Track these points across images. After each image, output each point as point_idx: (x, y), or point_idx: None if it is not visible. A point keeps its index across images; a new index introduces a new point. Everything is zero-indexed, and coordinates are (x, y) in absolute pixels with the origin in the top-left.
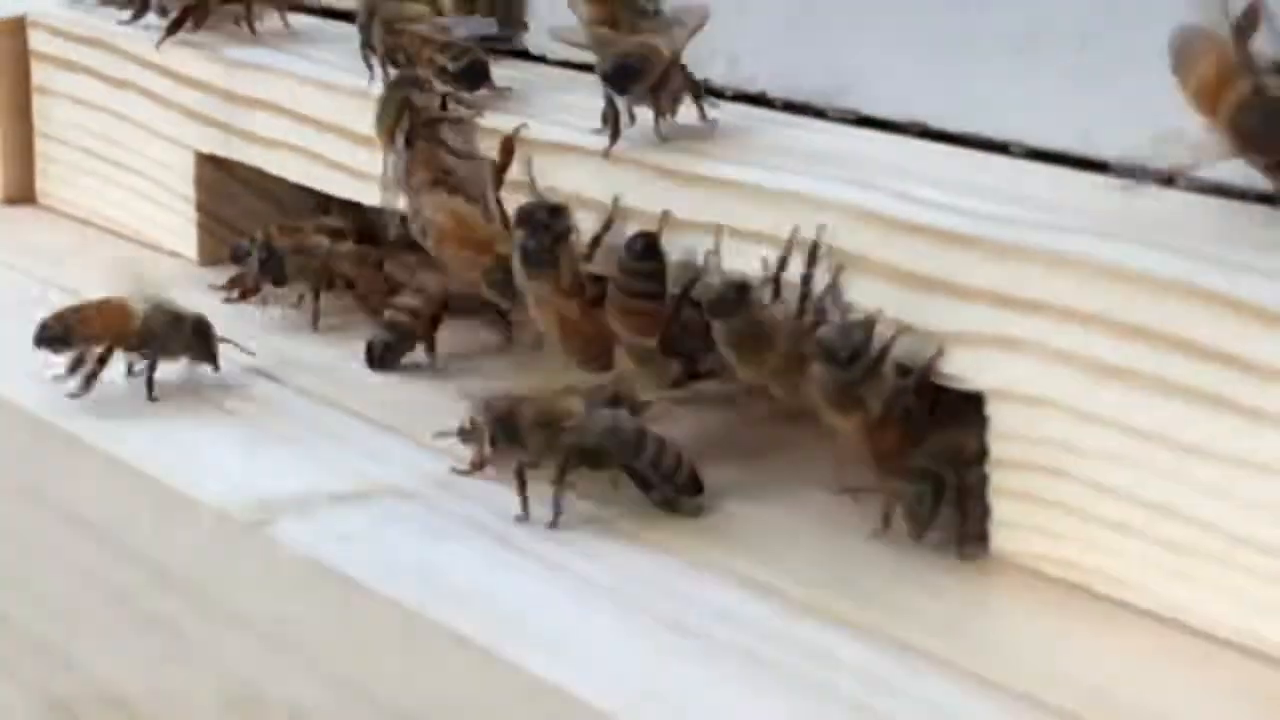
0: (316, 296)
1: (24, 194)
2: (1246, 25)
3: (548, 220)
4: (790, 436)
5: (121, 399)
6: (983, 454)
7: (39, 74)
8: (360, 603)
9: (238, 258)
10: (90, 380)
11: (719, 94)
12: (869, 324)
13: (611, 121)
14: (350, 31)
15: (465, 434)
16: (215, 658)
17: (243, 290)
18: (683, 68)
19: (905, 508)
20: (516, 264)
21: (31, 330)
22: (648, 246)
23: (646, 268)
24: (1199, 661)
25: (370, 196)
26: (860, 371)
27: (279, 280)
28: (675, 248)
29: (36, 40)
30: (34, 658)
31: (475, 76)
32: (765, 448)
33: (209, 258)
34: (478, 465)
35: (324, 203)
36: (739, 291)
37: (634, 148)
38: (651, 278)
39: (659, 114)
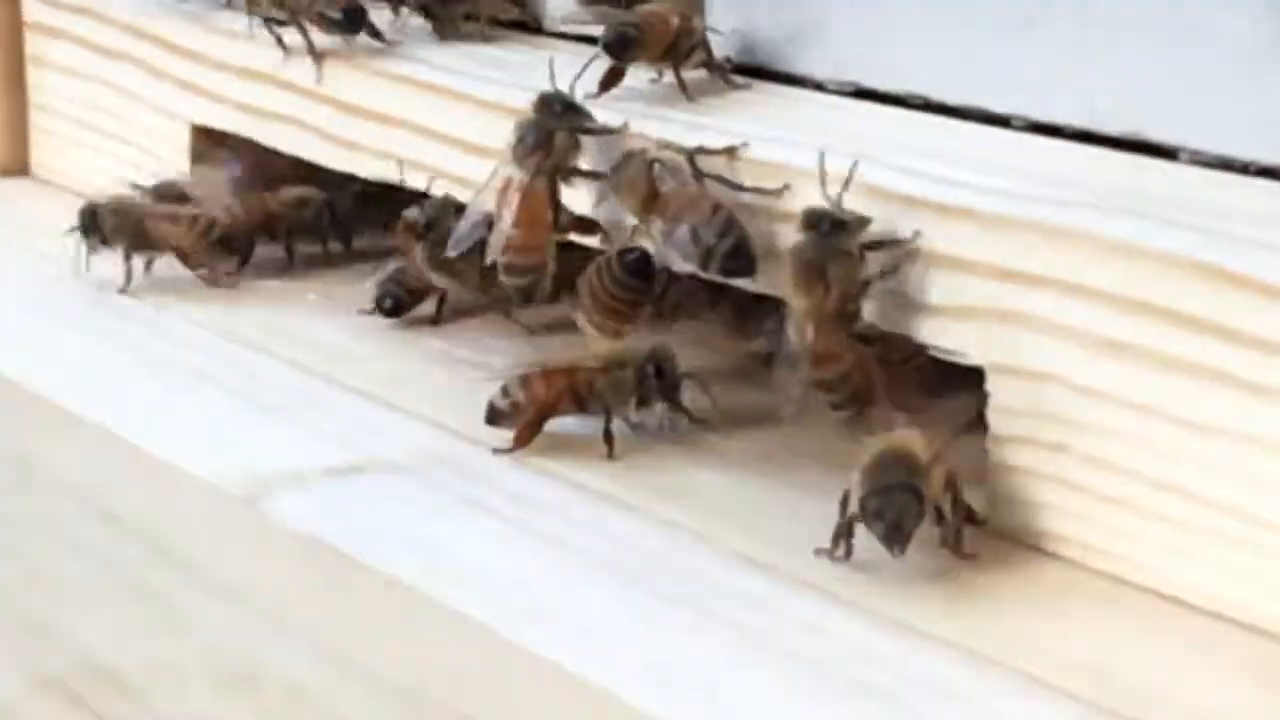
0: (127, 257)
1: (18, 165)
2: None
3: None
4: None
5: (114, 372)
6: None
7: (32, 44)
8: (355, 577)
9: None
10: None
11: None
12: (859, 217)
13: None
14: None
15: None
16: (208, 632)
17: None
18: (701, 38)
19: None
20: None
21: (22, 302)
22: (640, 264)
23: (635, 284)
24: (1200, 638)
25: (364, 168)
26: (834, 246)
27: (102, 239)
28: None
29: (30, 10)
30: (26, 632)
31: (354, 21)
32: (763, 422)
33: None
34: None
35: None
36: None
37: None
38: (637, 292)
39: (678, 79)
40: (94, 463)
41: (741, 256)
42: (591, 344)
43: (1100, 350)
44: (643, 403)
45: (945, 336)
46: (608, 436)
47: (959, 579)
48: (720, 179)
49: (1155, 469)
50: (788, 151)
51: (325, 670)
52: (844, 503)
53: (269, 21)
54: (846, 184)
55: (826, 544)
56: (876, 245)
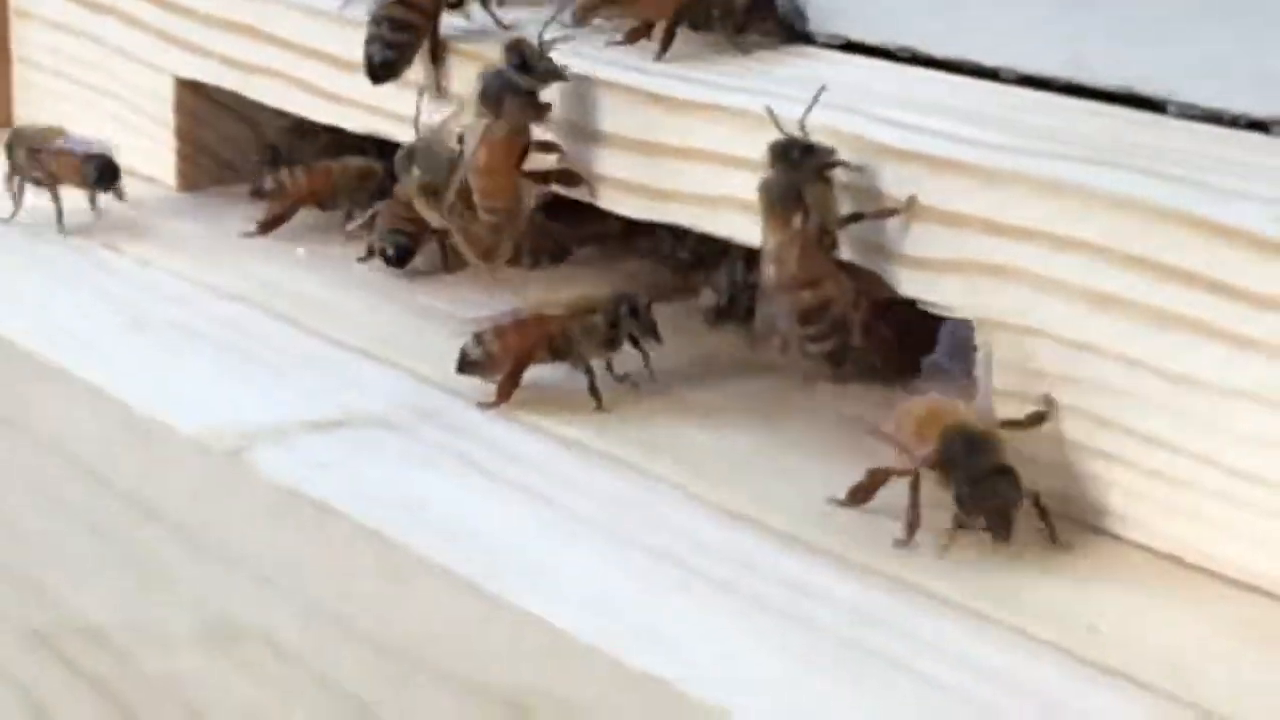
0: (55, 197)
1: (1, 119)
2: None
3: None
4: (779, 368)
5: (99, 328)
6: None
7: None
8: (340, 532)
9: (260, 193)
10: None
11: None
12: (827, 146)
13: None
14: None
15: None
16: (192, 587)
17: (266, 223)
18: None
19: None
20: None
21: (7, 258)
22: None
23: None
24: (1193, 595)
25: (351, 121)
26: (807, 171)
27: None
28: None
29: None
30: (10, 589)
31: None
32: (752, 379)
33: (187, 184)
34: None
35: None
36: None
37: (626, 73)
38: None
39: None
40: (78, 418)
41: None
42: (557, 294)
43: (1091, 304)
44: (614, 346)
45: (934, 290)
46: (593, 390)
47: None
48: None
49: (1148, 424)
50: (770, 103)
51: (309, 625)
52: (913, 483)
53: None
54: (809, 109)
55: (822, 498)
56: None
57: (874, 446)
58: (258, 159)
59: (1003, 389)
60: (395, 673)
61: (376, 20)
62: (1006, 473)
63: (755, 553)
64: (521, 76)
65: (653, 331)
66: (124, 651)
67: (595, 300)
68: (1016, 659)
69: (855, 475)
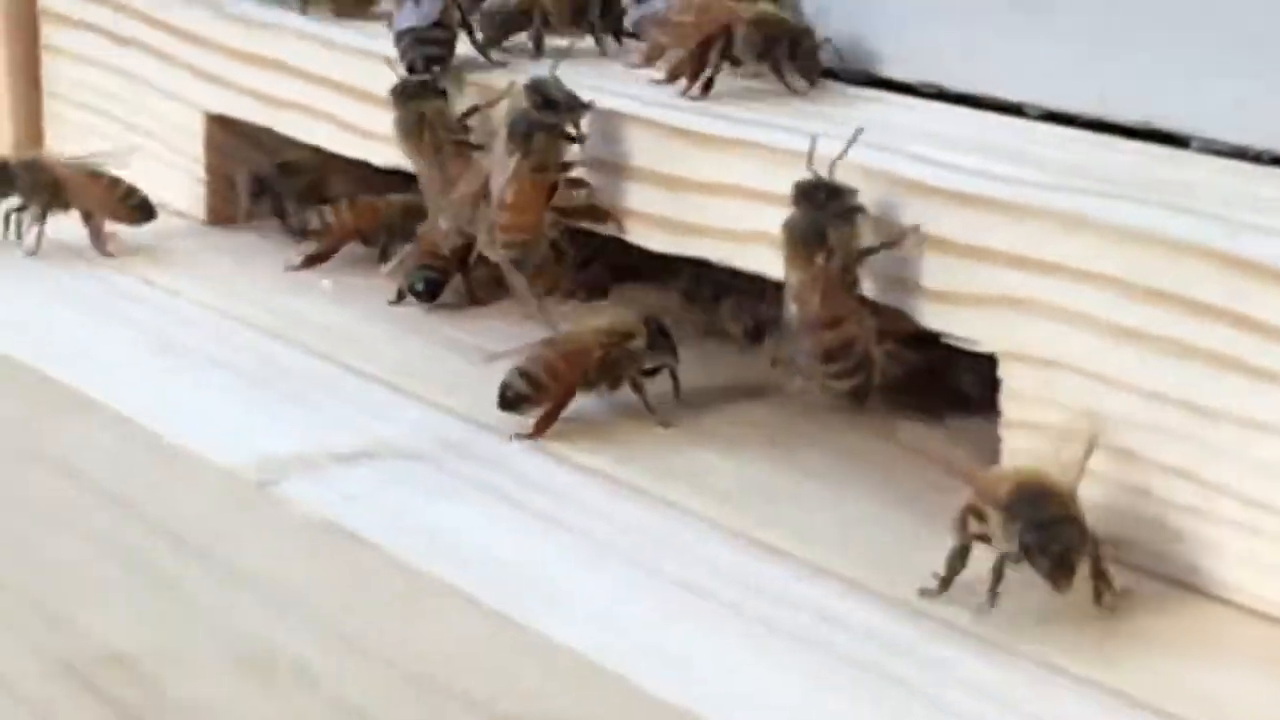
0: (43, 217)
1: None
2: None
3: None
4: (794, 397)
5: (129, 359)
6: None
7: (48, 33)
8: (366, 561)
9: (307, 232)
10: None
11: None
12: (850, 187)
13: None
14: None
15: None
16: (222, 617)
17: (311, 258)
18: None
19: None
20: None
21: (37, 288)
22: None
23: None
24: (1213, 625)
25: (378, 156)
26: (832, 212)
27: (4, 192)
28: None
29: None
30: (39, 619)
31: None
32: (768, 407)
33: (217, 217)
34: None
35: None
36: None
37: (651, 107)
38: None
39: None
40: (108, 448)
41: None
42: (581, 320)
43: (1112, 337)
44: (651, 372)
45: (958, 324)
46: (648, 405)
47: (970, 564)
48: None
49: (1168, 456)
50: (800, 140)
51: (337, 654)
52: (961, 547)
53: None
54: (845, 150)
55: (844, 527)
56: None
57: (893, 476)
58: (246, 192)
59: (1024, 420)
60: (421, 699)
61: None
62: (1074, 521)
63: (774, 580)
64: (547, 114)
65: (674, 353)
66: (151, 679)
67: (631, 325)
68: (1039, 691)
69: (871, 503)
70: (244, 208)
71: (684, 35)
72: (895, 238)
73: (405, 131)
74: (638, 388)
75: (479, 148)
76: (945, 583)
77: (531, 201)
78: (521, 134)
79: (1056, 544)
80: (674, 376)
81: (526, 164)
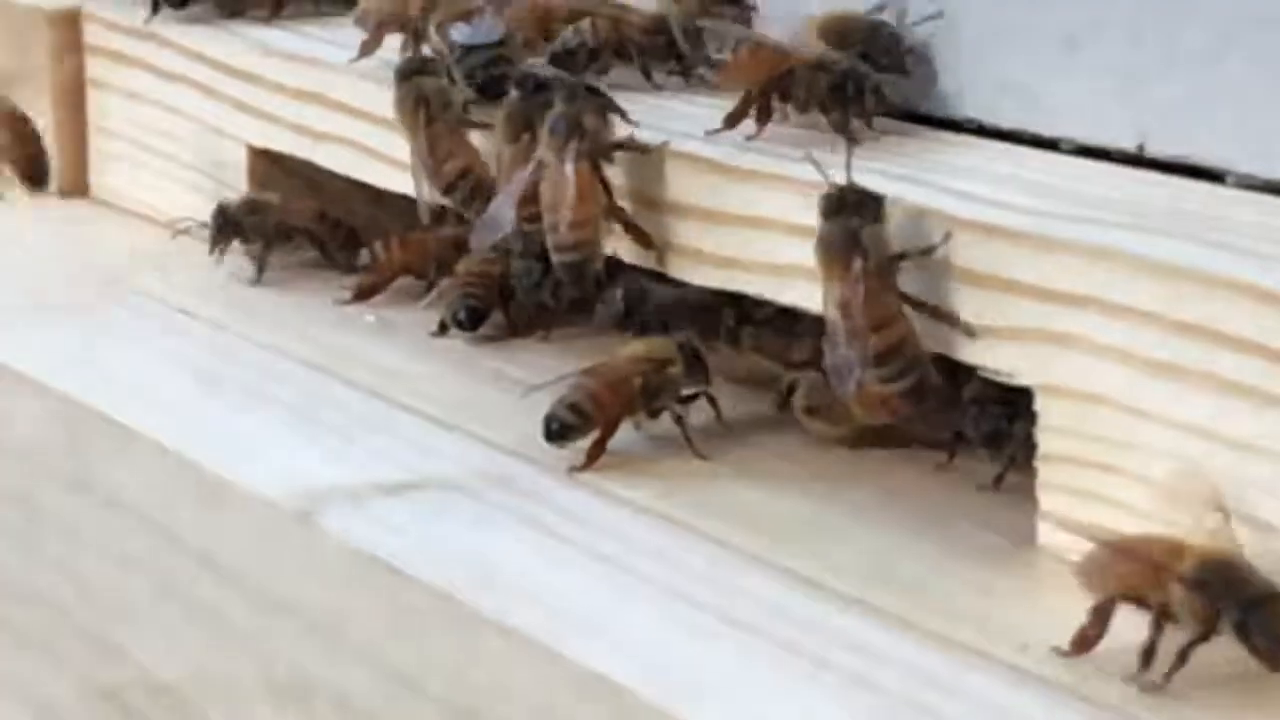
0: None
1: (78, 186)
2: None
3: None
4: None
5: (173, 390)
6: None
7: (93, 67)
8: (408, 593)
9: (357, 269)
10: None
11: None
12: (873, 193)
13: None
14: None
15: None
16: (263, 647)
17: (361, 292)
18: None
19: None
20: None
21: (83, 321)
22: None
23: None
24: (1246, 660)
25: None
26: (861, 216)
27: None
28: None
29: (90, 33)
30: (83, 646)
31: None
32: (810, 444)
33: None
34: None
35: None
36: None
37: (689, 141)
38: None
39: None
40: (152, 479)
41: None
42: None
43: (1147, 370)
44: (689, 399)
45: (994, 358)
46: (689, 440)
47: (1007, 597)
48: None
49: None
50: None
51: (378, 685)
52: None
53: None
54: (848, 162)
55: (879, 560)
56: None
57: (932, 512)
58: (212, 227)
59: (1062, 455)
60: None
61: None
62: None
63: (816, 614)
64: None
65: (709, 377)
66: (194, 709)
67: (667, 351)
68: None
69: (913, 539)
70: (212, 243)
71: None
72: (928, 244)
73: (403, 108)
74: (679, 420)
75: (484, 126)
76: (1081, 645)
77: (589, 191)
78: (565, 129)
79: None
80: (713, 402)
81: (582, 149)
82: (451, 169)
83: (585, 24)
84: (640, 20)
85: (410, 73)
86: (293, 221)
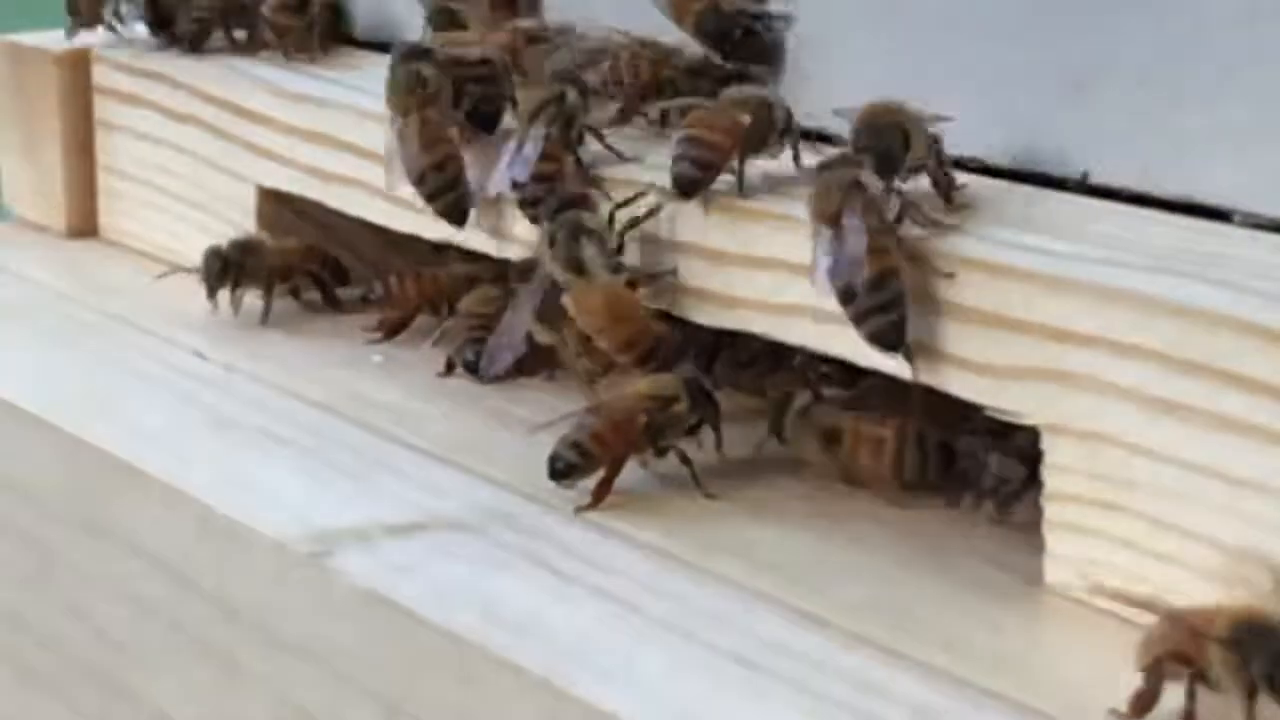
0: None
1: (86, 226)
2: None
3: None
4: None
5: (182, 432)
6: None
7: (101, 108)
8: (417, 633)
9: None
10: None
11: None
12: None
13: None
14: None
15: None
16: (273, 688)
17: (389, 329)
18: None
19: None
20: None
21: (91, 362)
22: None
23: None
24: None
25: (433, 231)
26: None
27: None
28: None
29: (99, 74)
30: (95, 689)
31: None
32: (822, 481)
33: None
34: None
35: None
36: None
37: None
38: None
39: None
40: (162, 521)
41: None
42: (616, 386)
43: (1154, 410)
44: (693, 432)
45: (1001, 397)
46: (696, 478)
47: (1014, 635)
48: None
49: (1209, 528)
50: None
51: None
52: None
53: None
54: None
55: (887, 598)
56: None
57: (940, 549)
58: (208, 271)
59: (1068, 493)
60: None
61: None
62: None
63: (824, 651)
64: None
65: (717, 412)
66: None
67: (672, 387)
68: None
69: (920, 576)
70: (206, 286)
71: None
72: (934, 219)
73: (396, 89)
74: (685, 459)
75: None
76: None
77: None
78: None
79: None
80: (716, 431)
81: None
82: (428, 160)
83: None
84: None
85: (412, 56)
86: (288, 261)
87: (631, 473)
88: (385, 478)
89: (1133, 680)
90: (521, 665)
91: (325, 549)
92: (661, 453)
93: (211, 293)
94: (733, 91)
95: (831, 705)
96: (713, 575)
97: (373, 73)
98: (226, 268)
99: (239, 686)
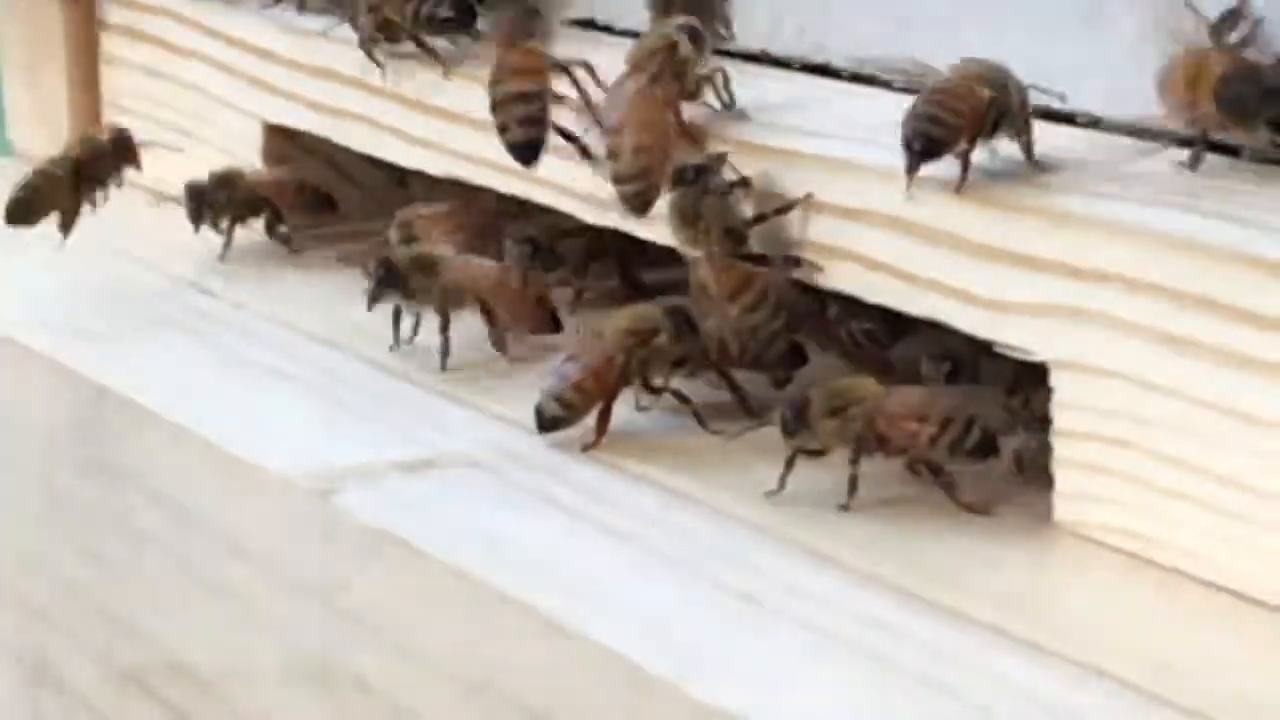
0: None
1: None
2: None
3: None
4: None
5: (191, 370)
6: None
7: (107, 44)
8: (426, 571)
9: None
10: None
11: (786, 64)
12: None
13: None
14: None
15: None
16: (282, 627)
17: None
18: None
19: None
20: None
21: (98, 301)
22: None
23: None
24: (1262, 632)
25: (432, 165)
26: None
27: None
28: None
29: (104, 10)
30: (102, 628)
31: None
32: None
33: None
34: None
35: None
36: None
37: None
38: None
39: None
40: (170, 460)
41: None
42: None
43: (1163, 346)
44: (682, 365)
45: (1010, 333)
46: (699, 417)
47: (1024, 573)
48: None
49: (1218, 464)
50: (859, 149)
51: (396, 663)
52: None
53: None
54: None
55: (896, 537)
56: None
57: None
58: (188, 208)
59: (1077, 430)
60: (477, 707)
61: None
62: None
63: (831, 589)
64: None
65: (702, 346)
66: (214, 688)
67: (653, 320)
68: (1087, 697)
69: (925, 511)
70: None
71: None
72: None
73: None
74: (684, 400)
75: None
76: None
77: (653, 120)
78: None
79: None
80: (725, 376)
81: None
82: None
83: None
84: None
85: None
86: (262, 193)
87: (643, 414)
88: (394, 415)
89: (1139, 617)
90: (532, 604)
91: (334, 487)
92: (655, 391)
93: (195, 225)
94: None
95: (838, 643)
96: (722, 513)
97: None
98: (202, 201)
99: (247, 625)
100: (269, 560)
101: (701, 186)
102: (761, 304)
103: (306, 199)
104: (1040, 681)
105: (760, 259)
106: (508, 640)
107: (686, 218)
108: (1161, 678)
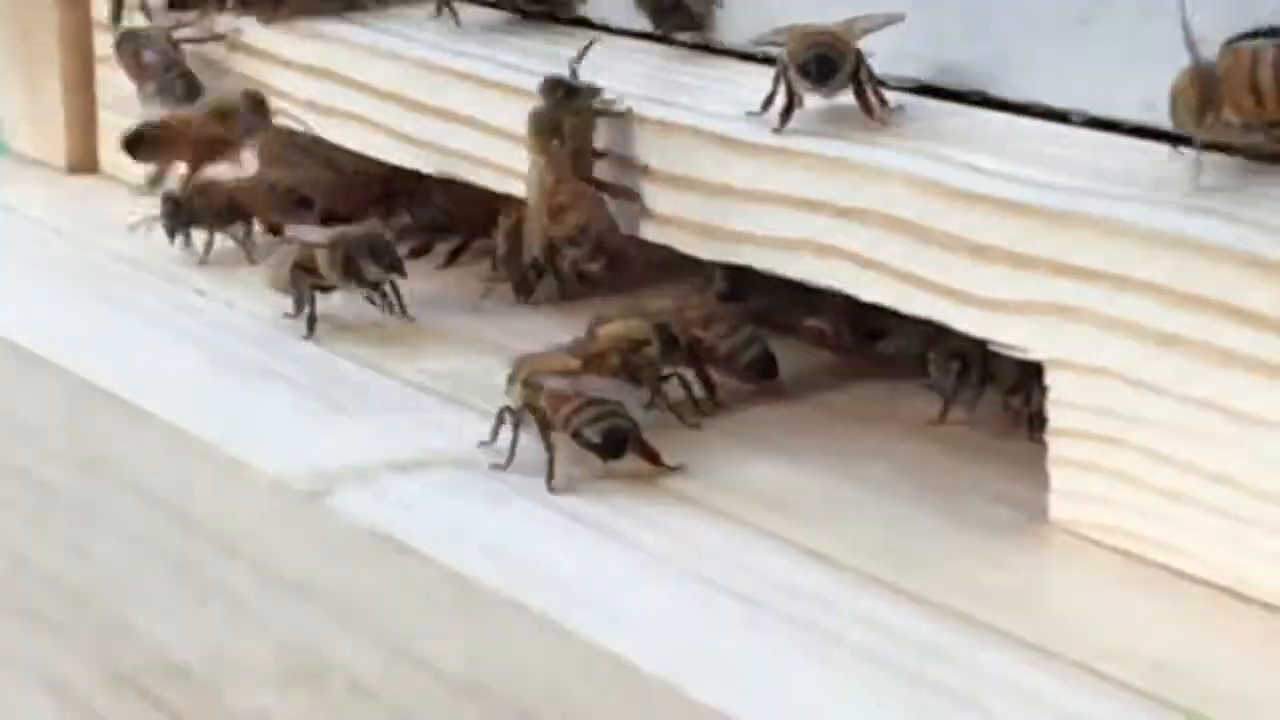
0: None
1: (87, 163)
2: None
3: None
4: (846, 407)
5: (184, 370)
6: None
7: (102, 44)
8: (419, 571)
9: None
10: None
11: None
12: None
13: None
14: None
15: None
16: (275, 627)
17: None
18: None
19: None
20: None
21: (93, 300)
22: None
23: None
24: (1256, 631)
25: (427, 164)
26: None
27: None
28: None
29: (100, 10)
30: (96, 628)
31: None
32: (834, 419)
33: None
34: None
35: None
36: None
37: (694, 116)
38: None
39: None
40: (164, 460)
41: None
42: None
43: (1156, 344)
44: (666, 377)
45: (1004, 331)
46: (681, 416)
47: (1019, 572)
48: None
49: (1211, 462)
50: (851, 148)
51: (390, 665)
52: None
53: None
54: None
55: (891, 535)
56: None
57: (944, 486)
58: (163, 214)
59: (1071, 429)
60: (474, 710)
61: None
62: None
63: (828, 589)
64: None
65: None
66: (207, 689)
67: (643, 332)
68: (1084, 699)
69: (922, 511)
70: (165, 230)
71: None
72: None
73: None
74: (661, 397)
75: None
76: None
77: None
78: (547, 128)
79: None
80: (705, 379)
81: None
82: None
83: None
84: None
85: None
86: (240, 200)
87: (642, 413)
88: (387, 415)
89: (1135, 616)
90: (525, 603)
91: (327, 488)
92: (655, 393)
93: (171, 236)
94: None
95: (835, 642)
96: (717, 512)
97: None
98: (179, 209)
99: (240, 626)
100: (261, 560)
101: (571, 105)
102: (581, 236)
103: (280, 200)
104: (1036, 680)
105: (601, 185)
106: (502, 640)
107: (544, 129)
108: (1157, 676)
